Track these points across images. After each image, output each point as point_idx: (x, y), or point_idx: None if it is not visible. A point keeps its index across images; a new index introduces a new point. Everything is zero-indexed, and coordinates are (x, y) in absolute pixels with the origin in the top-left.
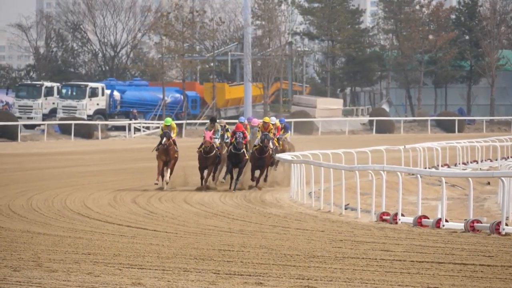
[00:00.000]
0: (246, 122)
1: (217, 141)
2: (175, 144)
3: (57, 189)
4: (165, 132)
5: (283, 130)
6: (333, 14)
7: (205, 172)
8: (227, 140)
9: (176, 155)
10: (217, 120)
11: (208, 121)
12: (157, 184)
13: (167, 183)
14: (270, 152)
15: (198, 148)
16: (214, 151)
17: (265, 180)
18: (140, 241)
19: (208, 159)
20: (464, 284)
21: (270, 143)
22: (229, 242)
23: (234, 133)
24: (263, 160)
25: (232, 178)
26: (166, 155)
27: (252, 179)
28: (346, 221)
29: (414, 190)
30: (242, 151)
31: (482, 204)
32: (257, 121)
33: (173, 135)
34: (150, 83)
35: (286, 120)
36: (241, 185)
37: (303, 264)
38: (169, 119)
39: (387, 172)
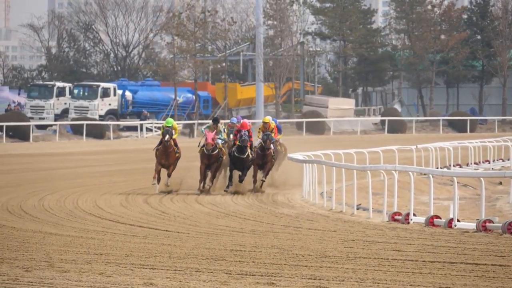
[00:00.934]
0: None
1: (220, 142)
2: (176, 145)
3: (69, 189)
4: (167, 130)
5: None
6: (345, 14)
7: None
8: (221, 141)
9: (178, 155)
10: (234, 121)
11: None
12: (154, 184)
13: (167, 186)
14: (272, 152)
15: (200, 148)
16: (217, 150)
17: (262, 180)
18: (152, 241)
19: (211, 157)
20: (476, 284)
21: (272, 145)
22: (241, 242)
23: (238, 131)
24: (265, 157)
25: (230, 183)
26: (166, 159)
27: (254, 180)
28: (358, 221)
29: (426, 190)
30: (246, 154)
31: (494, 204)
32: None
33: (175, 135)
34: (162, 83)
35: (297, 120)
36: (241, 189)
37: (315, 264)
38: (170, 119)
39: (399, 172)
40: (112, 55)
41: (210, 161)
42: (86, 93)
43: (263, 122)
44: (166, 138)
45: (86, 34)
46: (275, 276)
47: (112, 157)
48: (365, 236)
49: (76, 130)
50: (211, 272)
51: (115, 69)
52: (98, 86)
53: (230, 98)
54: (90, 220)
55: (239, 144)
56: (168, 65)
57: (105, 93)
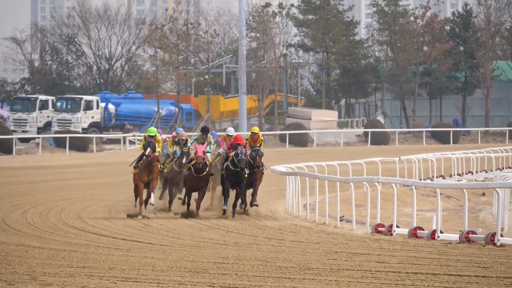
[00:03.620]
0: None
1: (209, 156)
2: (158, 160)
3: (52, 203)
4: (149, 142)
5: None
6: (327, 26)
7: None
8: (209, 154)
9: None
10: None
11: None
12: (137, 209)
13: (152, 205)
14: (262, 171)
15: (185, 164)
16: (207, 170)
17: (252, 203)
18: (135, 254)
19: (200, 180)
20: None
21: (262, 162)
22: (224, 255)
23: (233, 145)
24: (253, 175)
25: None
26: (149, 174)
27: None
28: (341, 233)
29: (409, 201)
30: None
31: (477, 215)
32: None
33: (158, 148)
34: (145, 95)
35: (280, 132)
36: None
37: (298, 276)
38: (153, 128)
39: (382, 183)
40: (95, 67)
41: (198, 185)
42: (69, 106)
43: (251, 132)
44: (147, 152)
45: (69, 47)
46: None
47: (95, 170)
48: (348, 248)
49: (59, 143)
50: (194, 284)
51: (98, 81)
52: (81, 99)
53: (213, 111)
54: (73, 233)
55: (234, 161)
56: (151, 78)
57: (88, 106)
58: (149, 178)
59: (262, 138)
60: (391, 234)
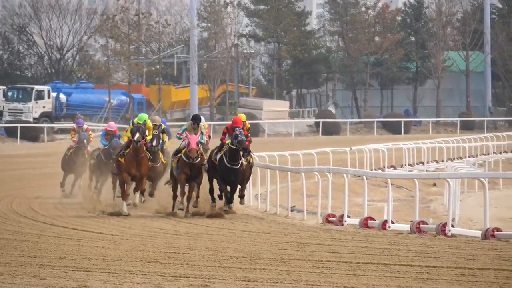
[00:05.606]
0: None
1: (200, 147)
2: (148, 150)
3: (3, 192)
4: (138, 127)
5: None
6: (279, 16)
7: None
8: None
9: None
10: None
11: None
12: (130, 204)
13: (135, 204)
14: (251, 164)
15: (175, 156)
16: (200, 158)
17: (241, 198)
18: (86, 243)
19: (193, 168)
20: (410, 285)
21: (251, 153)
22: (175, 245)
23: (231, 129)
24: (245, 172)
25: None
26: (138, 169)
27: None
28: (292, 223)
29: (360, 191)
30: (240, 162)
31: (428, 206)
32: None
33: (149, 137)
34: (96, 85)
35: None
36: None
37: (249, 266)
38: (144, 115)
39: (333, 173)
40: (46, 57)
41: (191, 174)
42: (20, 96)
43: (237, 118)
44: (136, 137)
45: (20, 36)
46: (209, 278)
47: (47, 159)
48: (299, 238)
49: (10, 133)
50: (145, 274)
51: (49, 71)
52: (32, 88)
53: (164, 101)
54: (24, 223)
55: (233, 146)
56: (102, 68)
57: (39, 96)
58: (137, 173)
59: (249, 126)
60: (342, 224)
